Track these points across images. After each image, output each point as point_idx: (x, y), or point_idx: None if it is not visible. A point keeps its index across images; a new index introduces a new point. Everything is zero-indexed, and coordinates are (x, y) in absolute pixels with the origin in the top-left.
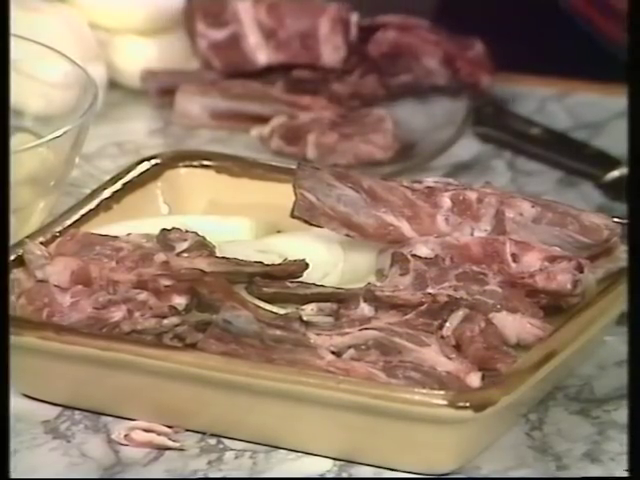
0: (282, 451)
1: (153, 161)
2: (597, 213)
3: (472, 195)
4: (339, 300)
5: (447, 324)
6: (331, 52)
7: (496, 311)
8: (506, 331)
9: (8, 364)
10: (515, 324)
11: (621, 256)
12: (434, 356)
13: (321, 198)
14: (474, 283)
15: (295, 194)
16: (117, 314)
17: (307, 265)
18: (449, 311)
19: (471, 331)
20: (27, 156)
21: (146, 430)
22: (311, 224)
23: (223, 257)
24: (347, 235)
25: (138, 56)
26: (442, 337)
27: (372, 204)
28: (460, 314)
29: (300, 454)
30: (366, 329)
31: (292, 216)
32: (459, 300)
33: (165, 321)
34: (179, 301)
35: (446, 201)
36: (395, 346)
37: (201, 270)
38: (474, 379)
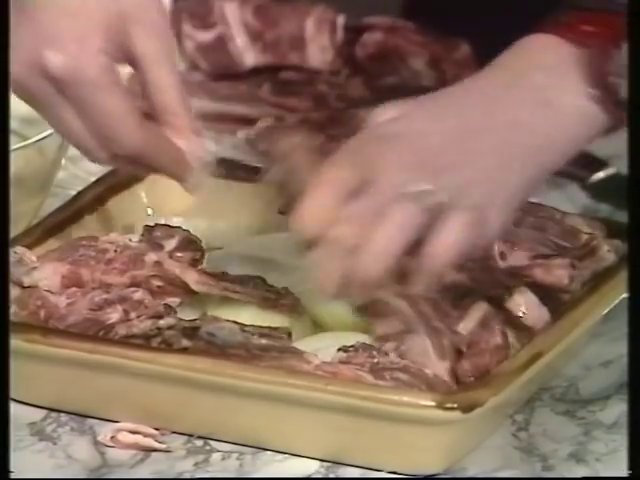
0: (269, 452)
1: None
2: (580, 215)
3: None
4: None
5: (462, 324)
6: (318, 54)
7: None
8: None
9: (8, 367)
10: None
11: (605, 256)
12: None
13: None
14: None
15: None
16: (113, 315)
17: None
18: (470, 301)
19: (486, 343)
20: (14, 158)
21: (132, 432)
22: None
23: (214, 275)
24: None
25: None
26: (455, 332)
27: None
28: (478, 313)
29: (287, 455)
30: None
31: (279, 212)
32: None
33: (161, 322)
34: (173, 299)
35: None
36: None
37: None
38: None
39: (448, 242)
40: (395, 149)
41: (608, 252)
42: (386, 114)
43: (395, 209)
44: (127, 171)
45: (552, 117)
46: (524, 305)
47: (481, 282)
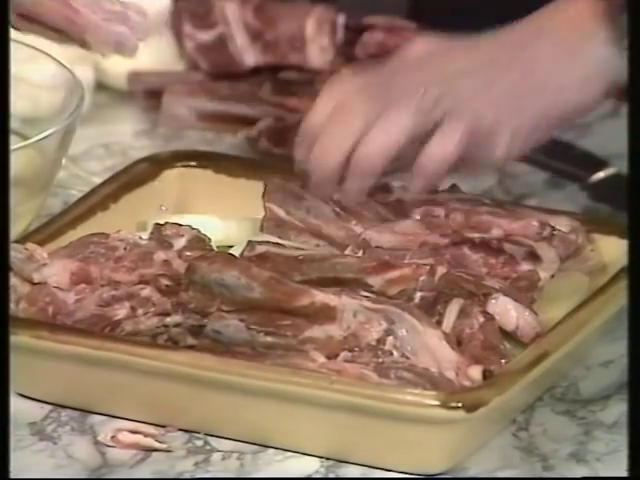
0: (269, 452)
1: (151, 160)
2: (562, 216)
3: (440, 211)
4: None
5: (445, 321)
6: (318, 53)
7: (496, 297)
8: (509, 314)
9: (8, 364)
10: (517, 309)
11: (589, 255)
12: (437, 342)
13: (291, 211)
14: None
15: (264, 209)
16: (120, 312)
17: None
18: (443, 303)
19: (470, 327)
20: (14, 158)
21: (133, 431)
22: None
23: None
24: (317, 245)
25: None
26: (445, 333)
27: (342, 216)
28: (455, 307)
29: (287, 455)
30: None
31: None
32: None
33: (167, 319)
34: (181, 296)
35: (416, 217)
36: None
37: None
38: (475, 372)
39: (444, 145)
40: (417, 76)
41: (591, 251)
42: (415, 48)
43: (396, 109)
44: (30, 31)
45: (572, 61)
46: (498, 310)
47: (452, 292)
